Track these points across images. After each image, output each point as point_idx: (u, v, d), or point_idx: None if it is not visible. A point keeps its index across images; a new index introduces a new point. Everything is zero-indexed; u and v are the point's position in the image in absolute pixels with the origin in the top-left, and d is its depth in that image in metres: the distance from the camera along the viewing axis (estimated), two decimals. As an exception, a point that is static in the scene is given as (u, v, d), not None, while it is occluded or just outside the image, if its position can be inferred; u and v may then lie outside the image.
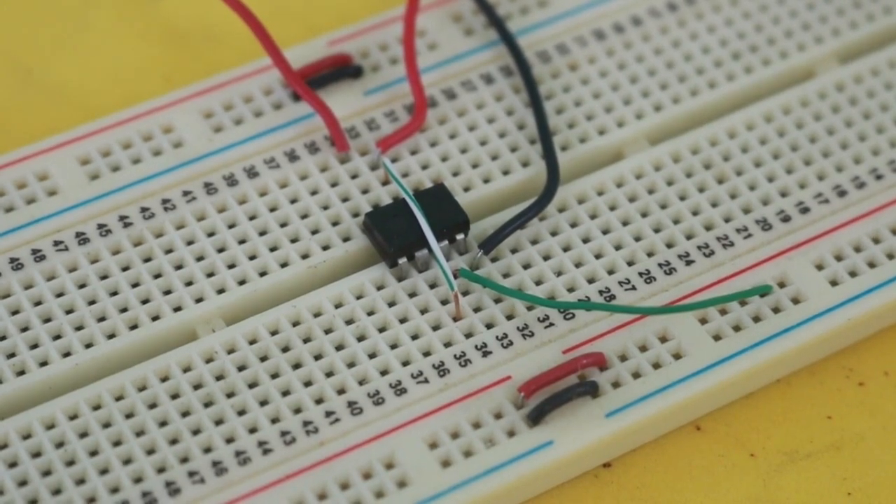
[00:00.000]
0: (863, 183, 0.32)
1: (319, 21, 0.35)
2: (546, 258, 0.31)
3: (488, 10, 0.33)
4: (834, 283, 0.31)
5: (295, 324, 0.30)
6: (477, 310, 0.30)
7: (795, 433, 0.30)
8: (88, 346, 0.29)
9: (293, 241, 0.31)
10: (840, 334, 0.30)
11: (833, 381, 0.31)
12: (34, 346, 0.29)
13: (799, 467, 0.30)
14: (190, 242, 0.31)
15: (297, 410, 0.29)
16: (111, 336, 0.29)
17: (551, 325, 0.30)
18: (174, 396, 0.29)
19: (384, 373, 0.29)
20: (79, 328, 0.29)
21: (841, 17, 0.34)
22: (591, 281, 0.30)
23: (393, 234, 0.30)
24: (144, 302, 0.30)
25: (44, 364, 0.29)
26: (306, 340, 0.30)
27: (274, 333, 0.30)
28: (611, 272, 0.31)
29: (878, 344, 0.31)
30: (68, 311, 0.30)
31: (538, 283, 0.30)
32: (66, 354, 0.29)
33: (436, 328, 0.30)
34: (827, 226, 0.31)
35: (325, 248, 0.31)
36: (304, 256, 0.31)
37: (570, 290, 0.30)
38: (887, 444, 0.30)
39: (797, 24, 0.34)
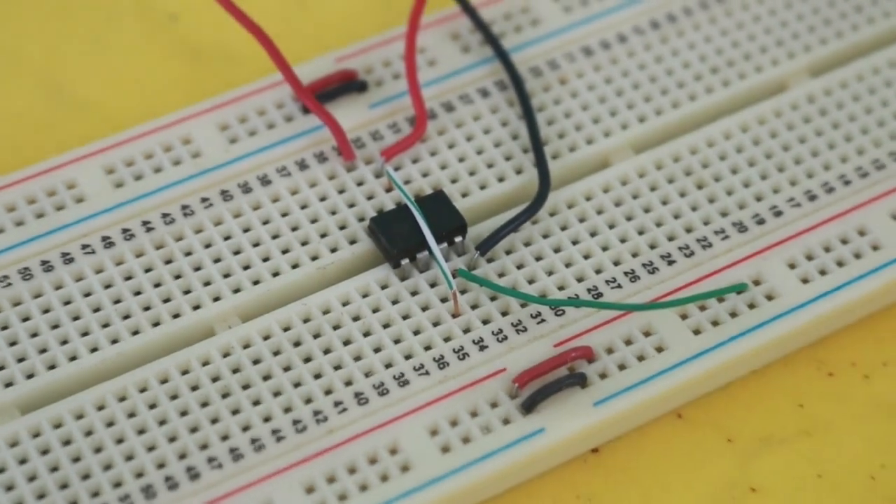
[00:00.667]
0: (832, 188, 0.32)
1: (327, 39, 0.35)
2: (538, 259, 0.31)
3: (484, 29, 0.34)
4: (805, 281, 0.31)
5: (305, 320, 0.30)
6: (474, 307, 0.31)
7: (769, 420, 0.31)
8: (114, 342, 0.30)
9: (303, 243, 0.31)
10: (810, 328, 0.31)
11: (804, 371, 0.31)
12: (64, 342, 0.30)
13: (773, 452, 0.30)
14: (208, 245, 0.31)
15: (308, 401, 0.29)
16: (135, 333, 0.30)
17: (543, 321, 0.30)
18: (194, 388, 0.29)
19: (388, 366, 0.30)
20: (105, 325, 0.30)
21: (812, 33, 0.35)
22: (579, 280, 0.31)
23: (396, 238, 0.31)
24: (166, 301, 0.30)
25: (73, 359, 0.30)
26: (316, 336, 0.30)
27: (286, 329, 0.30)
28: (598, 272, 0.31)
29: (846, 337, 0.32)
30: (95, 310, 0.30)
31: (531, 282, 0.31)
32: (94, 350, 0.30)
33: (436, 324, 0.30)
34: (798, 228, 0.32)
35: (333, 250, 0.31)
36: (314, 258, 0.31)
37: (561, 288, 0.31)
38: (854, 430, 0.31)
39: (771, 41, 0.34)
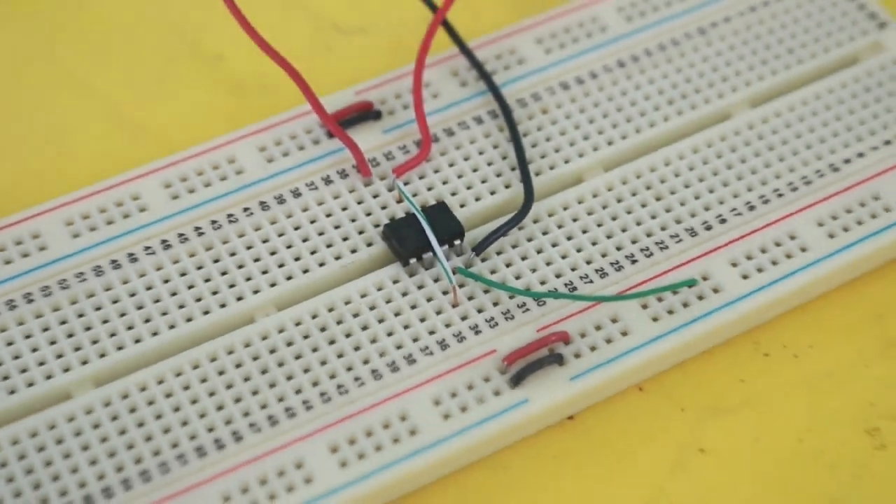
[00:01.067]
0: (767, 200, 0.32)
1: (348, 75, 0.35)
2: (524, 258, 0.31)
3: (479, 67, 0.34)
4: (745, 277, 0.31)
5: (330, 310, 0.30)
6: (470, 298, 0.30)
7: (715, 393, 0.31)
8: (171, 327, 0.30)
9: (328, 245, 0.31)
10: (749, 317, 0.31)
11: (744, 352, 0.31)
12: (130, 328, 0.30)
13: (718, 419, 0.30)
14: (249, 247, 0.31)
15: (332, 376, 0.29)
16: (188, 319, 0.30)
17: (528, 310, 0.30)
18: (237, 366, 0.29)
19: (398, 347, 0.30)
20: (164, 314, 0.30)
21: (751, 71, 0.34)
22: (558, 276, 0.31)
23: (405, 241, 0.31)
24: (214, 293, 0.30)
25: (137, 341, 0.29)
26: (339, 322, 0.30)
27: (314, 317, 0.30)
28: (573, 269, 0.31)
29: (779, 323, 0.32)
30: (155, 301, 0.30)
31: (517, 277, 0.31)
32: (155, 334, 0.30)
33: (438, 313, 0.30)
34: (740, 233, 0.31)
35: (353, 251, 0.31)
36: (337, 258, 0.31)
37: (542, 283, 0.31)
38: (785, 401, 0.31)
39: (717, 77, 0.34)
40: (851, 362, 0.31)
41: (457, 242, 0.31)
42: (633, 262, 0.31)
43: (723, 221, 0.32)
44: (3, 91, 0.36)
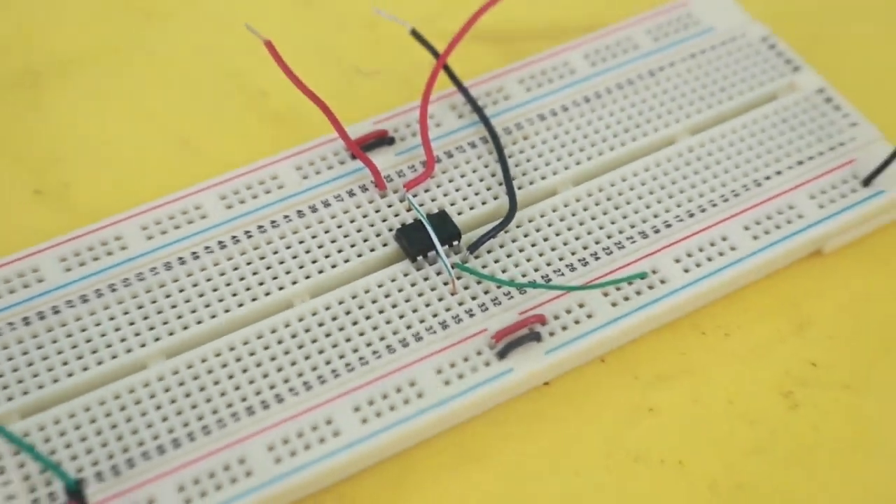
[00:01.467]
0: (704, 209, 0.32)
1: (368, 108, 0.35)
2: (509, 255, 0.32)
3: (472, 102, 0.34)
4: (686, 270, 0.31)
5: (353, 297, 0.31)
6: (466, 288, 0.31)
7: (662, 363, 0.31)
8: (226, 311, 0.30)
9: (351, 245, 0.32)
10: (689, 302, 0.31)
11: (685, 331, 0.32)
12: (193, 311, 0.30)
13: (664, 384, 0.31)
14: (288, 247, 0.31)
15: (355, 350, 0.30)
16: (240, 305, 0.31)
17: (512, 297, 0.31)
18: (279, 342, 0.30)
19: (408, 327, 0.30)
20: (220, 300, 0.31)
21: (691, 105, 0.35)
22: (536, 269, 0.31)
23: (413, 242, 0.31)
24: (260, 284, 0.31)
25: (199, 322, 0.30)
26: (360, 307, 0.30)
27: (340, 303, 0.30)
28: (548, 264, 0.31)
29: (714, 308, 0.32)
30: (214, 290, 0.31)
31: (504, 271, 0.31)
32: (213, 316, 0.30)
33: (440, 300, 0.31)
34: (682, 235, 0.32)
35: (371, 250, 0.32)
36: (359, 255, 0.31)
37: (524, 275, 0.31)
38: (718, 371, 0.31)
39: (664, 110, 0.35)
40: (771, 339, 0.32)
41: (455, 243, 0.31)
42: (597, 258, 0.32)
43: (668, 226, 0.32)
44: (96, 124, 0.36)
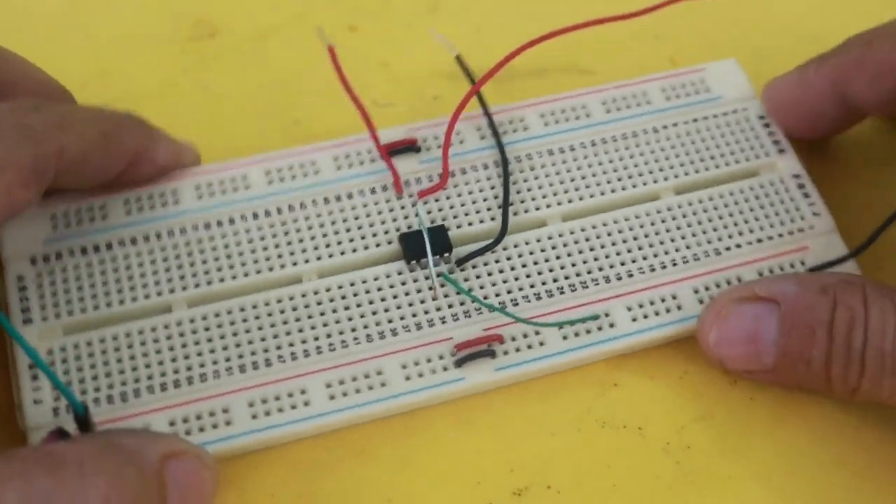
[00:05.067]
0: (665, 266, 0.31)
1: (404, 117, 0.34)
2: (489, 274, 0.30)
3: (493, 128, 0.33)
4: (634, 320, 0.30)
5: (352, 284, 0.30)
6: (445, 296, 0.30)
7: (606, 386, 0.30)
8: (245, 275, 0.30)
9: (361, 237, 0.31)
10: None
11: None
12: (219, 269, 0.30)
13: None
14: (309, 227, 0.31)
15: (341, 332, 0.29)
16: (258, 272, 0.30)
17: (481, 313, 0.30)
18: (282, 312, 0.29)
19: (389, 321, 0.30)
20: (243, 264, 0.30)
21: (682, 166, 0.33)
22: (509, 292, 0.30)
23: (411, 247, 0.30)
24: (279, 256, 0.30)
25: (221, 280, 0.30)
26: (355, 294, 0.30)
27: (340, 287, 0.30)
28: (520, 289, 0.30)
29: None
30: (240, 254, 0.30)
31: (481, 287, 0.30)
32: (234, 277, 0.30)
33: (422, 302, 0.30)
34: (640, 286, 0.31)
35: (377, 245, 0.31)
36: (365, 248, 0.31)
37: (497, 295, 0.30)
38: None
39: (657, 166, 0.33)
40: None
41: (446, 255, 0.31)
42: (562, 292, 0.30)
43: (630, 276, 0.31)
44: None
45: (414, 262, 0.30)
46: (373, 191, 0.32)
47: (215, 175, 0.31)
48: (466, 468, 0.28)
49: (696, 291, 0.31)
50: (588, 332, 0.30)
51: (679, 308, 0.30)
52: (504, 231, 0.31)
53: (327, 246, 0.31)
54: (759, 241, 0.32)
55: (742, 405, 0.30)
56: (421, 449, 0.29)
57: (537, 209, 0.32)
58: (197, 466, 0.25)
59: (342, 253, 0.31)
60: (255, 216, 0.31)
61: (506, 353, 0.29)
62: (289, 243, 0.31)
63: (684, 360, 0.30)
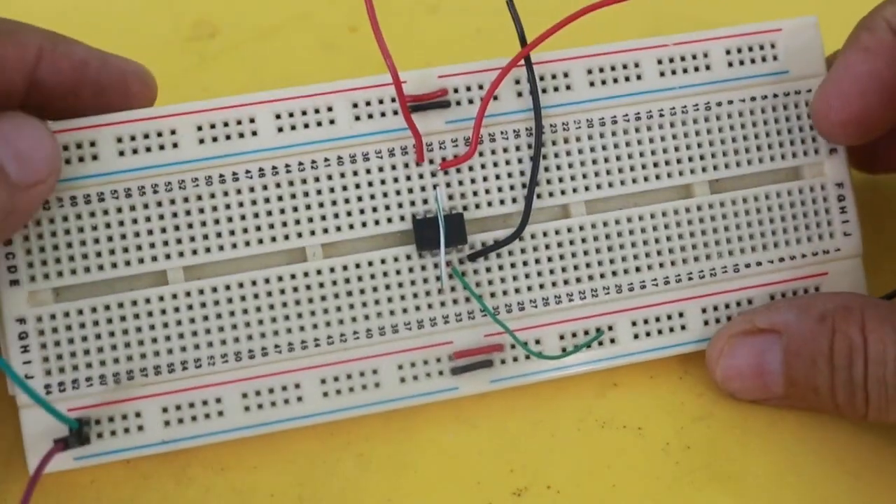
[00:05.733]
0: (680, 279, 0.32)
1: (437, 58, 0.32)
2: (500, 268, 0.31)
3: (535, 93, 0.31)
4: (636, 337, 0.32)
5: (357, 266, 0.30)
6: (452, 289, 0.31)
7: (605, 386, 0.32)
8: (247, 244, 0.30)
9: (373, 209, 0.30)
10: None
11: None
12: (219, 235, 0.30)
13: (610, 394, 0.32)
14: (319, 192, 0.30)
15: (341, 322, 0.30)
16: (260, 241, 0.30)
17: (484, 316, 0.31)
18: (282, 292, 0.30)
19: (391, 313, 0.30)
20: (245, 230, 0.30)
21: (725, 156, 0.32)
22: (517, 291, 0.31)
23: (425, 235, 0.31)
24: (283, 224, 0.30)
25: (220, 248, 0.30)
26: (359, 279, 0.30)
27: (345, 268, 0.30)
28: (529, 289, 0.31)
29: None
30: (242, 217, 0.30)
31: (490, 283, 0.31)
32: (247, 243, 0.30)
33: (427, 294, 0.31)
34: (648, 301, 0.31)
35: (389, 220, 0.30)
36: (376, 222, 0.30)
37: (504, 293, 0.31)
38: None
39: (699, 153, 0.32)
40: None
41: (459, 247, 0.31)
42: (570, 300, 0.32)
43: (643, 287, 0.32)
44: None
45: (425, 249, 0.31)
46: (391, 153, 0.32)
47: (219, 115, 0.31)
48: (466, 468, 0.32)
49: (704, 311, 0.33)
50: (588, 346, 0.32)
51: (683, 328, 0.33)
52: (524, 225, 0.32)
53: (335, 216, 0.31)
54: (781, 259, 0.34)
55: (741, 405, 0.32)
56: (421, 449, 0.32)
57: (563, 193, 0.32)
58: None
59: (351, 226, 0.31)
60: (262, 172, 0.31)
61: (503, 362, 0.32)
62: (295, 209, 0.31)
63: (684, 360, 0.33)
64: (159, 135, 0.30)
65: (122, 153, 0.30)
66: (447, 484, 0.31)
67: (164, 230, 0.30)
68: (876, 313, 0.30)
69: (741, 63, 0.33)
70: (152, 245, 0.30)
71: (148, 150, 0.30)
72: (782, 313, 0.31)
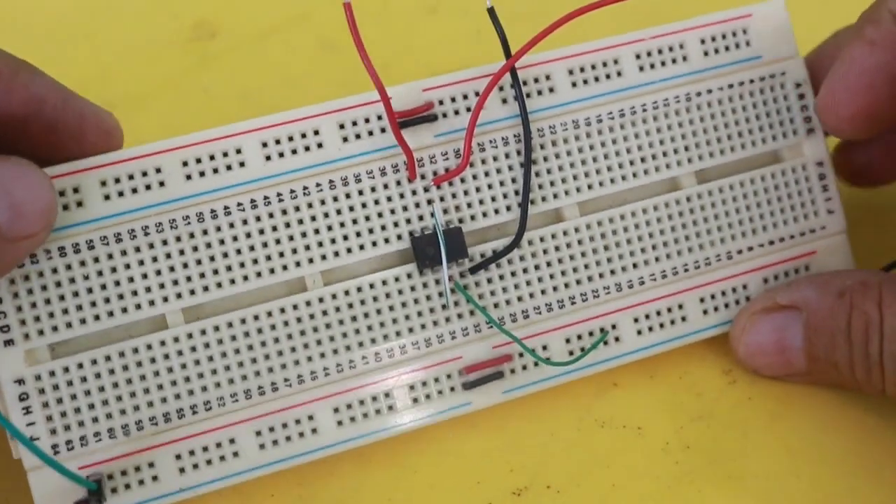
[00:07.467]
0: (676, 272, 0.32)
1: (419, 71, 0.32)
2: (501, 277, 0.31)
3: (521, 100, 0.31)
4: (639, 333, 0.32)
5: (359, 290, 0.30)
6: (456, 304, 0.31)
7: (605, 386, 0.32)
8: (245, 278, 0.29)
9: (370, 231, 0.30)
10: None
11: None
12: (216, 272, 0.29)
13: (610, 393, 0.32)
14: (313, 217, 0.30)
15: (348, 348, 0.30)
16: (259, 274, 0.29)
17: (490, 328, 0.31)
18: (285, 324, 0.29)
19: (398, 334, 0.30)
20: (241, 265, 0.29)
21: (709, 145, 0.33)
22: (520, 299, 0.31)
23: (425, 252, 0.30)
24: (280, 255, 0.29)
25: (219, 286, 0.29)
26: (362, 303, 0.30)
27: (346, 293, 0.30)
28: (531, 296, 0.31)
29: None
30: (238, 252, 0.29)
31: (492, 293, 0.31)
32: (233, 282, 0.29)
33: (431, 311, 0.31)
34: (648, 297, 0.32)
35: (386, 240, 0.30)
36: (374, 244, 0.30)
37: (507, 302, 0.31)
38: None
39: (683, 145, 0.32)
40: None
41: (461, 261, 0.31)
42: (573, 303, 0.32)
43: (641, 283, 0.32)
44: None
45: (426, 268, 0.31)
46: (382, 171, 0.31)
47: (204, 149, 0.30)
48: (466, 468, 0.32)
49: (702, 301, 0.33)
50: (595, 348, 0.32)
51: (684, 320, 0.33)
52: (521, 233, 0.31)
53: (332, 242, 0.31)
54: (771, 242, 0.34)
55: (741, 405, 0.32)
56: (421, 449, 0.32)
57: (555, 196, 0.32)
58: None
59: (349, 250, 0.31)
60: (254, 204, 0.30)
61: (513, 371, 0.32)
62: (290, 238, 0.30)
63: (684, 359, 0.33)
64: (144, 174, 0.29)
65: (107, 197, 0.29)
66: (447, 484, 0.31)
67: (158, 273, 0.29)
68: (894, 288, 0.30)
69: (716, 52, 0.33)
70: (148, 289, 0.29)
71: (134, 191, 0.29)
72: (802, 290, 0.31)
